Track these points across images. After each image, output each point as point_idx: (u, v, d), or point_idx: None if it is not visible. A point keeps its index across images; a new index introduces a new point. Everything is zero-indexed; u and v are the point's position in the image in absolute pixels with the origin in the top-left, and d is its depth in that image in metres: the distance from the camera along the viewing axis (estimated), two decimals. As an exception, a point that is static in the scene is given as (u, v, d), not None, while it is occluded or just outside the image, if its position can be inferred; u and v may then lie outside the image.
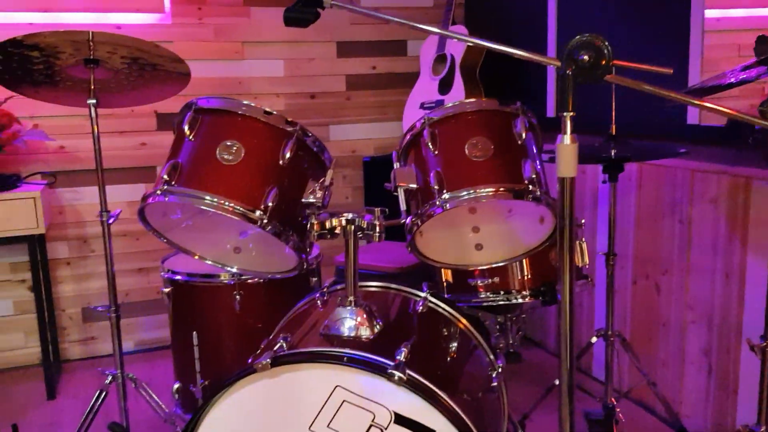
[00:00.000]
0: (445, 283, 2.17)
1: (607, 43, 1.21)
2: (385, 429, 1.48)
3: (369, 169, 3.79)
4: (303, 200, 1.67)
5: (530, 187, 1.60)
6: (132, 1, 3.33)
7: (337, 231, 1.62)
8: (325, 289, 1.93)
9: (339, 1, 1.39)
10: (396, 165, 1.76)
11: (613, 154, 2.15)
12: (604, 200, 2.92)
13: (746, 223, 2.27)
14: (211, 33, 3.51)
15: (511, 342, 2.27)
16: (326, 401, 1.50)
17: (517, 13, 3.48)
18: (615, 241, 2.34)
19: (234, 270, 1.91)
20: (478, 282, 2.10)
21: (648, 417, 2.72)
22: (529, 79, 3.37)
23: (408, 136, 1.74)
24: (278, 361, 1.50)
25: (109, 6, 3.30)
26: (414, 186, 1.68)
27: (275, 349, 1.53)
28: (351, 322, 1.63)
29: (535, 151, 1.69)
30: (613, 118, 2.26)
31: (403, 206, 1.68)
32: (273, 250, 1.92)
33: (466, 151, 1.63)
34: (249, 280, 2.25)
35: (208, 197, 1.60)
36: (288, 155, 1.66)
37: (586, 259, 2.18)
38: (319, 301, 1.89)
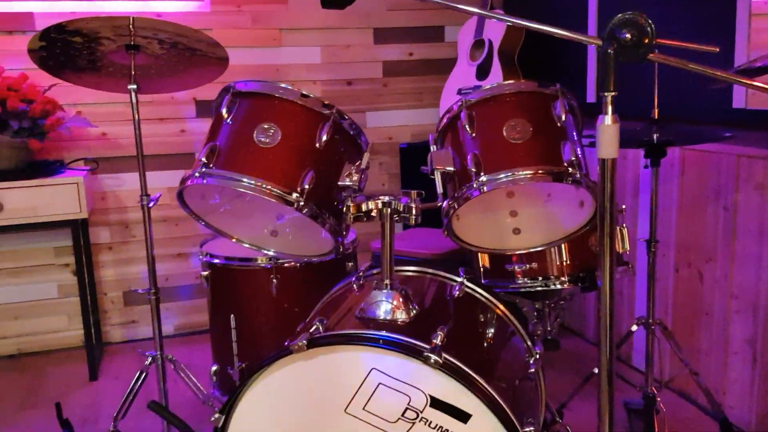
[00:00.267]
0: (481, 269, 2.15)
1: (650, 21, 1.18)
2: (421, 412, 1.47)
3: (405, 155, 3.77)
4: (339, 183, 1.67)
5: (570, 169, 1.57)
6: (172, -12, 3.37)
7: (373, 214, 1.62)
8: (361, 273, 1.93)
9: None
10: (433, 148, 1.75)
11: (655, 138, 2.11)
12: (645, 187, 2.87)
13: (794, 209, 2.21)
14: (249, 20, 3.52)
15: (549, 329, 2.24)
16: (362, 384, 1.50)
17: (557, -3, 3.43)
18: (656, 228, 2.30)
19: (271, 253, 1.91)
20: (516, 268, 2.08)
21: (689, 407, 2.68)
22: (568, 65, 3.31)
23: (445, 119, 1.73)
24: (314, 342, 1.50)
25: (149, -6, 3.35)
26: (451, 169, 1.66)
27: (311, 331, 1.53)
28: (387, 306, 1.62)
29: (575, 133, 1.66)
30: (656, 101, 2.21)
31: (439, 189, 1.66)
32: (309, 234, 1.92)
33: (505, 134, 1.60)
34: (285, 264, 2.27)
35: (245, 179, 1.61)
36: (324, 138, 1.66)
37: (627, 246, 2.14)
38: (355, 285, 1.89)
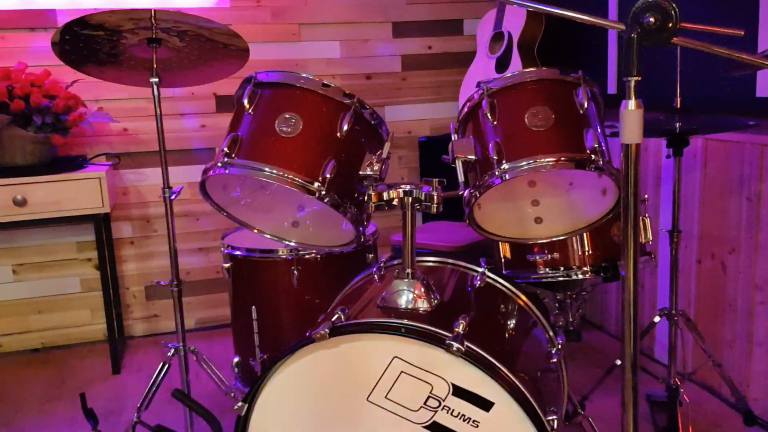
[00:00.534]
0: (503, 259, 2.14)
1: (674, 5, 1.17)
2: (443, 400, 1.47)
3: (425, 149, 3.76)
4: (360, 173, 1.67)
5: (593, 156, 1.56)
6: (191, -16, 3.39)
7: (395, 202, 1.62)
8: (381, 264, 1.94)
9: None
10: (454, 137, 1.74)
11: (677, 127, 2.09)
12: (667, 177, 2.84)
13: (819, 199, 2.18)
14: (268, 15, 3.54)
15: (570, 320, 2.23)
16: (384, 372, 1.50)
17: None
18: (679, 219, 2.28)
19: (292, 243, 1.92)
20: (537, 258, 2.07)
21: (713, 400, 2.65)
22: (588, 56, 3.29)
23: (466, 108, 1.72)
24: (336, 331, 1.50)
25: (170, -10, 3.37)
26: (472, 157, 1.66)
27: (333, 320, 1.54)
28: (408, 295, 1.62)
29: (597, 121, 1.65)
30: (678, 90, 2.19)
31: (461, 178, 1.66)
32: (330, 225, 1.93)
33: (526, 121, 1.60)
34: (306, 256, 2.27)
35: (267, 169, 1.62)
36: (345, 128, 1.66)
37: (650, 236, 2.13)
38: (376, 276, 1.89)
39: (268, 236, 1.91)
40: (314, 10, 3.60)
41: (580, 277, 2.06)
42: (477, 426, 1.46)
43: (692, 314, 2.75)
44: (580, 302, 2.22)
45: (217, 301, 3.68)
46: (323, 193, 1.62)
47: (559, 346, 1.82)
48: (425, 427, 1.49)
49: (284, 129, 1.64)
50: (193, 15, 2.08)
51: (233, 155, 1.65)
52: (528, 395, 1.45)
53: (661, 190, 2.88)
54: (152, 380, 2.32)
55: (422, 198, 1.60)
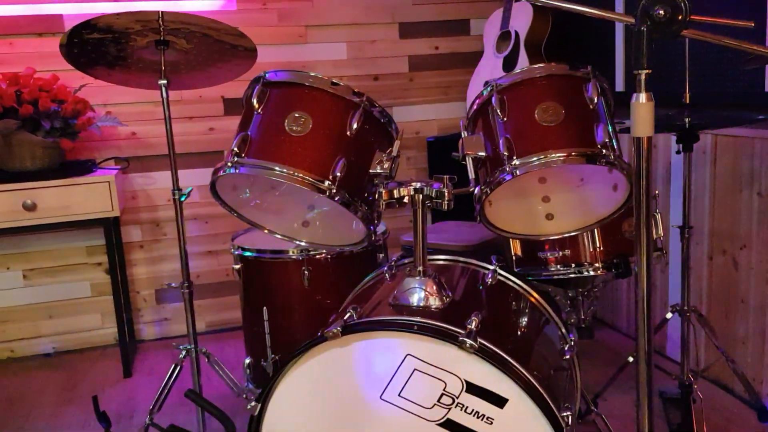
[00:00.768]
0: (514, 257, 2.13)
1: (684, -3, 1.17)
2: (457, 398, 1.47)
3: (433, 149, 3.76)
4: (371, 171, 1.67)
5: (603, 151, 1.55)
6: (198, -12, 3.40)
7: (406, 200, 1.61)
8: (392, 263, 1.93)
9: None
10: (464, 134, 1.74)
11: (687, 122, 2.08)
12: (677, 173, 2.83)
13: (832, 192, 2.16)
14: (275, 18, 3.54)
15: (582, 317, 2.22)
16: (397, 370, 1.50)
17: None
18: (689, 215, 2.27)
19: (303, 243, 1.91)
20: (548, 255, 2.06)
21: (726, 396, 2.64)
22: (596, 55, 3.28)
23: (476, 105, 1.72)
24: (348, 329, 1.50)
25: (176, -6, 3.39)
26: (483, 154, 1.65)
27: (345, 318, 1.54)
28: (420, 293, 1.62)
29: (607, 116, 1.64)
30: (687, 86, 2.18)
31: (471, 175, 1.65)
32: (341, 225, 1.92)
33: (536, 117, 1.59)
34: (317, 256, 2.27)
35: (277, 168, 1.61)
36: (355, 126, 1.66)
37: (661, 231, 2.12)
38: (387, 275, 1.89)
39: (279, 236, 1.91)
40: (321, 11, 3.60)
41: (592, 273, 2.05)
42: (491, 423, 1.45)
43: (704, 311, 2.74)
44: (592, 299, 2.21)
45: (227, 304, 3.68)
46: (334, 191, 1.62)
47: (572, 343, 1.81)
48: (439, 425, 1.48)
49: (294, 128, 1.64)
50: (200, 16, 2.08)
51: (243, 155, 1.65)
52: (542, 391, 1.45)
53: (670, 187, 2.87)
54: (164, 382, 2.32)
55: (433, 195, 1.60)
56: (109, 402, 2.88)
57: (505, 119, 1.63)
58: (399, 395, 1.51)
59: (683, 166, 2.22)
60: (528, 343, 1.74)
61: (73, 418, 2.76)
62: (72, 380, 3.15)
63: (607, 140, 1.56)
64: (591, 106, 1.61)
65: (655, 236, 2.10)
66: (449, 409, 1.47)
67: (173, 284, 2.32)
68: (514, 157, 1.58)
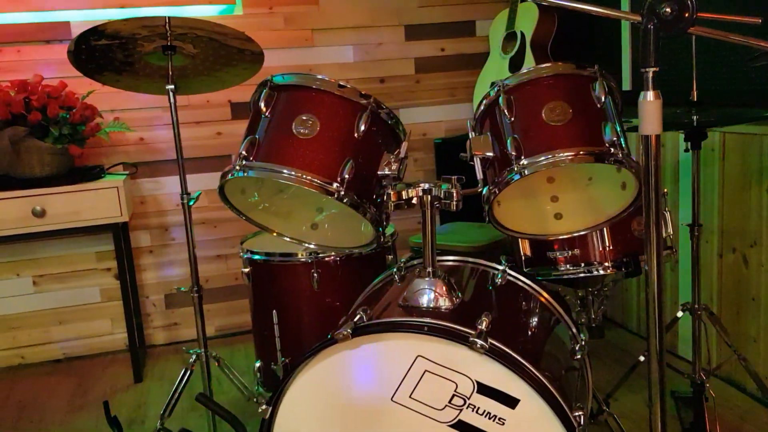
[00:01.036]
0: (523, 257, 2.13)
1: (691, -5, 1.17)
2: (468, 398, 1.46)
3: (440, 151, 3.76)
4: (379, 173, 1.67)
5: (612, 149, 1.55)
6: (204, -7, 3.41)
7: (414, 201, 1.61)
8: (401, 265, 1.93)
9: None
10: (471, 135, 1.74)
11: (695, 120, 2.07)
12: (686, 172, 2.82)
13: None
14: (281, 22, 3.55)
15: (593, 317, 2.21)
16: (408, 372, 1.50)
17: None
18: (699, 213, 2.26)
19: (312, 246, 1.92)
20: (558, 255, 2.05)
21: (738, 394, 2.62)
22: (602, 54, 3.28)
23: (483, 105, 1.71)
24: (359, 331, 1.50)
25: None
26: (490, 154, 1.65)
27: (355, 320, 1.54)
28: (430, 294, 1.62)
29: (614, 114, 1.64)
30: (694, 84, 2.17)
31: (479, 175, 1.65)
32: (349, 227, 1.92)
33: (544, 116, 1.59)
34: (326, 259, 2.27)
35: (285, 170, 1.62)
36: (362, 128, 1.66)
37: (670, 229, 2.11)
38: (396, 276, 1.89)
39: (288, 239, 1.91)
40: (326, 15, 3.61)
41: (602, 272, 2.04)
42: (503, 423, 1.45)
43: (715, 309, 2.72)
44: (602, 299, 2.20)
45: (237, 308, 3.68)
46: (342, 193, 1.62)
47: (583, 343, 1.81)
48: (451, 426, 1.48)
49: (302, 131, 1.64)
50: (207, 21, 2.09)
51: (251, 158, 1.66)
52: (554, 391, 1.44)
53: (679, 185, 2.86)
54: (175, 387, 2.32)
55: (441, 196, 1.60)
56: (120, 407, 2.88)
57: (512, 119, 1.63)
58: (410, 397, 1.50)
59: (692, 164, 2.21)
60: (539, 343, 1.74)
61: (85, 424, 2.77)
62: (83, 386, 3.16)
63: (615, 139, 1.56)
64: (598, 105, 1.61)
65: (664, 234, 2.09)
66: (461, 410, 1.47)
67: (183, 289, 2.33)
68: (522, 157, 1.58)
